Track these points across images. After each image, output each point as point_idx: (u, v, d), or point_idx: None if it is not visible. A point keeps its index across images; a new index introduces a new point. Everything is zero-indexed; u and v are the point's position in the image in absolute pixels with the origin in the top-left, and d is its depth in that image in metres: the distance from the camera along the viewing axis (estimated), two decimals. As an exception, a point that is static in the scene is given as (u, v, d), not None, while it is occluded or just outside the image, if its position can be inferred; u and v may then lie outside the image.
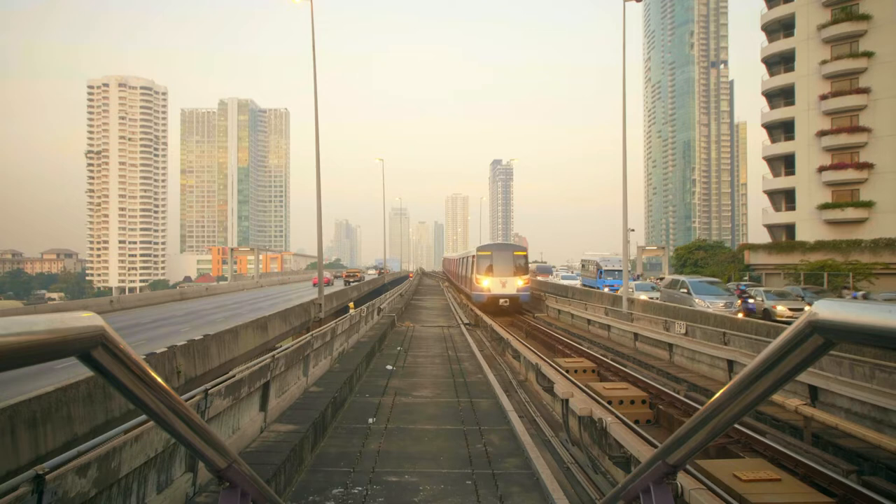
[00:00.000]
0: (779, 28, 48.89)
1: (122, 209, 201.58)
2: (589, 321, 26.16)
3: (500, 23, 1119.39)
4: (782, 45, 48.02)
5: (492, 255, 32.99)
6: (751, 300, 25.12)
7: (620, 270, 35.14)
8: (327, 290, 30.28)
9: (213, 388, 6.30)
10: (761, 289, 27.24)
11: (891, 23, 41.68)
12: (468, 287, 36.31)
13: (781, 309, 23.06)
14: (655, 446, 6.10)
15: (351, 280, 61.36)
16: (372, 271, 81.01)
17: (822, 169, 44.26)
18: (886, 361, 9.72)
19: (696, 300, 23.14)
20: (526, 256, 34.46)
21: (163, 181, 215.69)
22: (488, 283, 32.39)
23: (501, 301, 32.24)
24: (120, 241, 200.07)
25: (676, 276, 29.66)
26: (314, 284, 72.72)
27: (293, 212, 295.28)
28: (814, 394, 10.83)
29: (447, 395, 11.69)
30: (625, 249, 26.21)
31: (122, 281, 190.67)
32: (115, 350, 0.99)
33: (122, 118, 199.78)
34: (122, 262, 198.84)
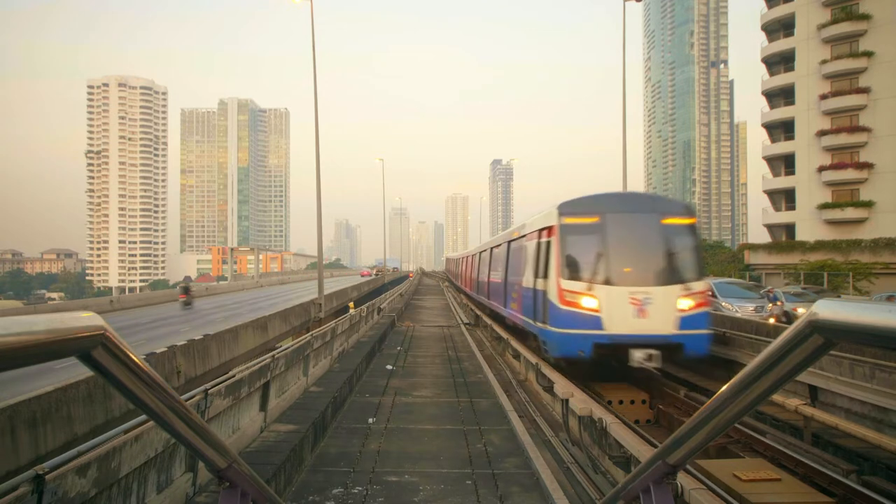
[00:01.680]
0: (779, 28, 48.90)
1: (122, 209, 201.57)
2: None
3: (500, 23, 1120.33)
4: (782, 44, 48.03)
5: (603, 224, 11.89)
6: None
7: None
8: (328, 289, 30.26)
9: (213, 387, 6.30)
10: (779, 290, 26.08)
11: (891, 23, 41.67)
12: (528, 312, 13.70)
13: (802, 311, 21.76)
14: (655, 446, 6.10)
15: (379, 274, 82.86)
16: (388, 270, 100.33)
17: (822, 169, 44.27)
18: (886, 361, 9.72)
19: (724, 304, 21.54)
20: (694, 228, 12.27)
21: (163, 181, 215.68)
22: (596, 305, 11.30)
23: (638, 355, 10.94)
24: (120, 241, 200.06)
25: None
26: (362, 276, 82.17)
27: (293, 212, 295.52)
28: (814, 394, 10.83)
29: (447, 395, 11.70)
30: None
31: (122, 281, 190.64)
32: (116, 350, 0.99)
33: (122, 118, 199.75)
34: (122, 261, 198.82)
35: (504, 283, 17.75)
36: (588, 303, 11.26)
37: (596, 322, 11.13)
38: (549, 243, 12.30)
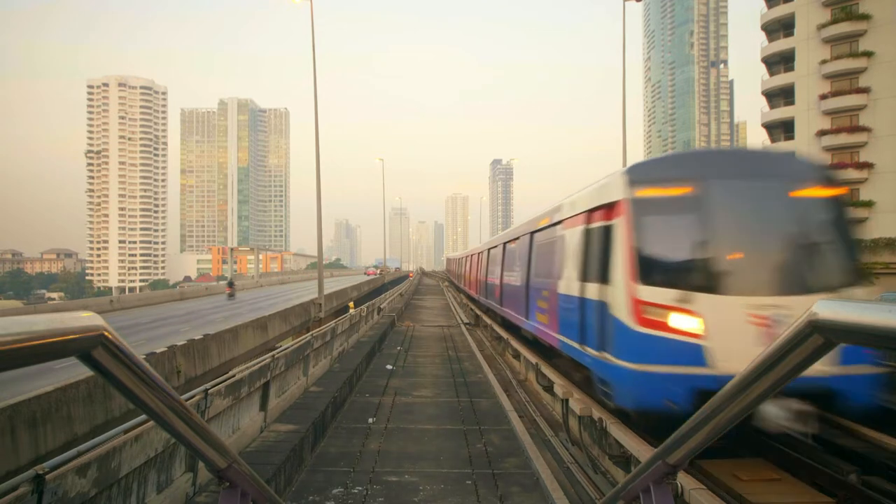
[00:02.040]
0: (779, 28, 48.92)
1: (121, 209, 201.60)
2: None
3: (500, 23, 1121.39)
4: (782, 44, 48.05)
5: (702, 197, 7.35)
6: None
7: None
8: (328, 289, 30.27)
9: (213, 387, 6.30)
10: None
11: (890, 22, 41.70)
12: (570, 331, 9.23)
13: None
14: (655, 446, 6.09)
15: (380, 273, 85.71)
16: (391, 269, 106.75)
17: (822, 169, 44.27)
18: (887, 361, 9.72)
19: None
20: (842, 204, 7.61)
21: (163, 181, 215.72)
22: (697, 326, 6.88)
23: (774, 412, 6.27)
24: (120, 241, 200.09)
25: None
26: (368, 275, 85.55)
27: (293, 211, 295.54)
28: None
29: (447, 395, 11.70)
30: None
31: (122, 281, 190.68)
32: (116, 350, 0.99)
33: (122, 118, 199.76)
34: (122, 261, 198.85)
35: (525, 286, 13.52)
36: (683, 322, 7.04)
37: (696, 354, 6.89)
38: (609, 229, 7.99)
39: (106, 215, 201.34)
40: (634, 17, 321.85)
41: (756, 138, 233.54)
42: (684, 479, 5.50)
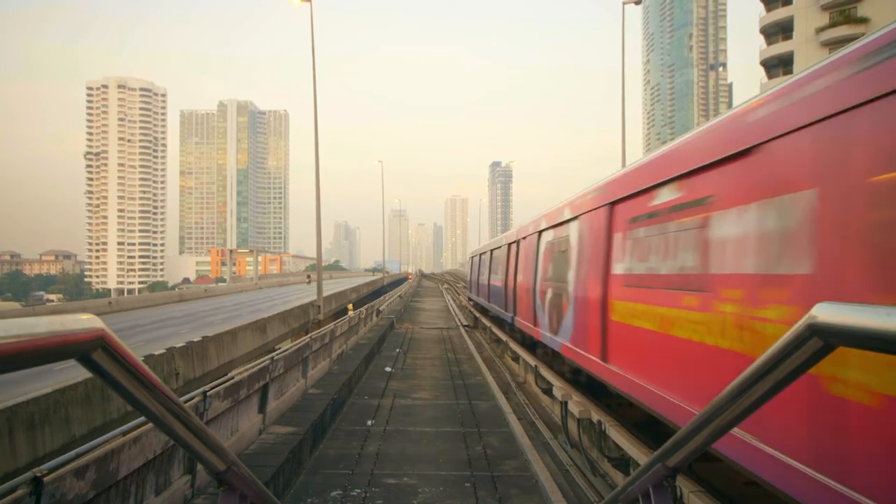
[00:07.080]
0: (777, 31, 49.03)
1: (121, 210, 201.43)
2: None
3: (501, 23, 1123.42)
4: (781, 47, 48.14)
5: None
6: None
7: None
8: (327, 291, 30.25)
9: (211, 389, 6.29)
10: None
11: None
12: None
13: None
14: (655, 449, 6.08)
15: (384, 275, 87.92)
16: (396, 271, 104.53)
17: (820, 171, 44.29)
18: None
19: None
20: None
21: (162, 183, 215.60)
22: None
23: None
24: (119, 243, 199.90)
25: None
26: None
27: (292, 213, 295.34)
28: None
29: (446, 398, 11.69)
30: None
31: (121, 282, 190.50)
32: (115, 352, 0.98)
33: (122, 119, 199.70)
34: (121, 263, 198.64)
35: None
36: None
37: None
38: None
39: (105, 217, 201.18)
40: (634, 20, 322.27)
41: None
42: (684, 482, 5.49)
